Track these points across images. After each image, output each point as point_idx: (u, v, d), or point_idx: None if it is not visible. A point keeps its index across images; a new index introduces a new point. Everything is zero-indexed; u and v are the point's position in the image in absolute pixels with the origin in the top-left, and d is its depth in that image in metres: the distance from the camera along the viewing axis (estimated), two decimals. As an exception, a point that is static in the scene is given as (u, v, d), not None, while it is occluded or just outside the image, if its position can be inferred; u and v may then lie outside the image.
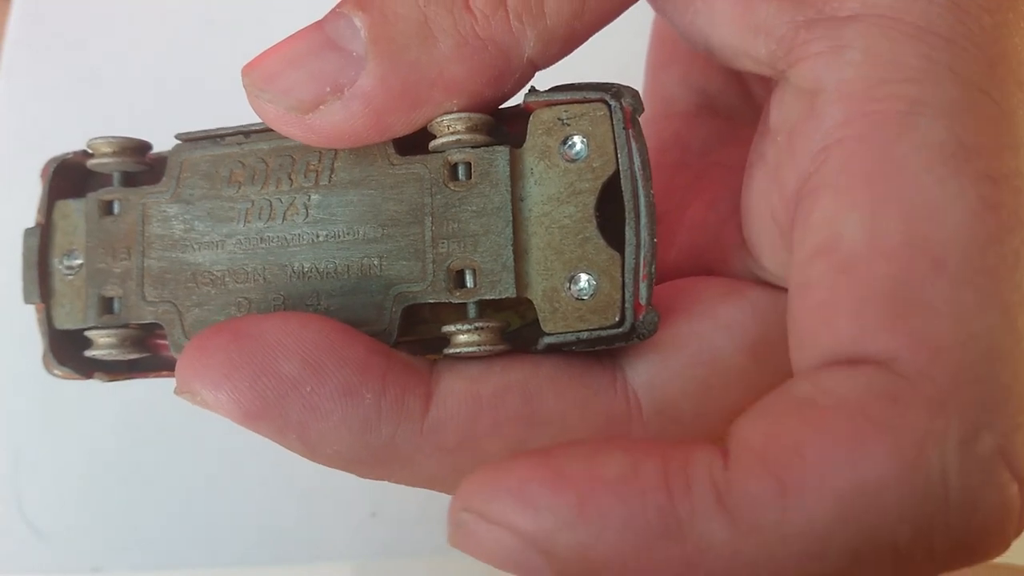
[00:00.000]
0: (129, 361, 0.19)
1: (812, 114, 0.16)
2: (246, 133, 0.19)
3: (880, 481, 0.13)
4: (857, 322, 0.14)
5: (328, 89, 0.16)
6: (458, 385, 0.17)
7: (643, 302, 0.16)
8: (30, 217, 0.22)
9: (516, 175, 0.17)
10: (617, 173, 0.17)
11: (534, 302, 0.17)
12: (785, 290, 0.17)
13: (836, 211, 0.15)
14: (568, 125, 0.17)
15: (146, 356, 0.19)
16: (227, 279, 0.18)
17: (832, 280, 0.15)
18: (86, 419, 0.33)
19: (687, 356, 0.17)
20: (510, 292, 0.17)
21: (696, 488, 0.14)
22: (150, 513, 0.32)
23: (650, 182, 0.17)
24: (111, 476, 0.33)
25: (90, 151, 0.19)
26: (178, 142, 0.19)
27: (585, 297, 0.17)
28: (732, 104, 0.23)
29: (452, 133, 0.17)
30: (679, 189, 0.21)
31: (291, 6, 0.38)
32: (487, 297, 0.17)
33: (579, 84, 0.17)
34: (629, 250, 0.16)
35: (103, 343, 0.19)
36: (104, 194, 0.19)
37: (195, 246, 0.19)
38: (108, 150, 0.19)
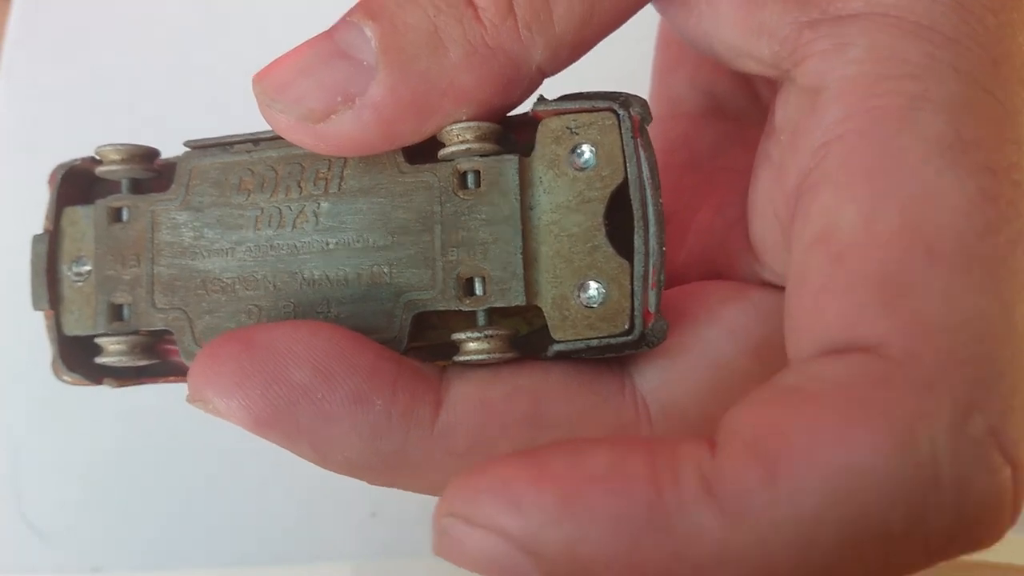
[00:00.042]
0: (138, 367, 0.19)
1: (814, 111, 0.16)
2: (255, 141, 0.19)
3: (869, 464, 0.13)
4: (848, 310, 0.14)
5: (339, 98, 0.16)
6: (468, 390, 0.17)
7: (652, 310, 0.17)
8: (30, 217, 0.22)
9: (525, 184, 0.17)
10: (626, 182, 0.17)
11: (543, 310, 0.17)
12: None
13: (834, 203, 0.15)
14: (577, 134, 0.17)
15: (155, 362, 0.19)
16: (237, 286, 0.18)
17: (826, 270, 0.15)
18: (86, 419, 0.33)
19: (693, 361, 0.17)
20: (520, 300, 0.17)
21: (683, 479, 0.14)
22: (150, 513, 0.32)
23: (659, 191, 0.17)
24: (111, 476, 0.33)
25: (98, 158, 0.19)
26: (186, 149, 0.19)
27: (594, 305, 0.17)
28: (740, 106, 0.23)
29: (462, 142, 0.17)
30: (686, 189, 0.21)
31: (291, 6, 0.38)
32: (497, 305, 0.17)
33: (587, 93, 0.17)
34: (638, 259, 0.17)
35: (113, 350, 0.19)
36: (113, 201, 0.19)
37: (205, 253, 0.19)
38: (116, 157, 0.19)
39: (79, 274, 0.19)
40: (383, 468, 0.17)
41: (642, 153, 0.17)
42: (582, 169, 0.17)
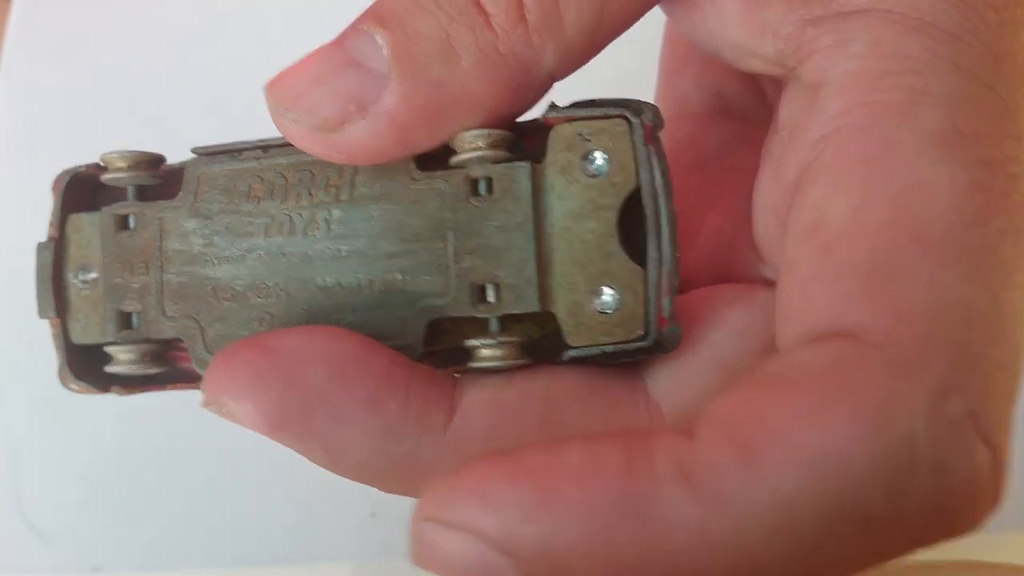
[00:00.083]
0: (146, 375, 0.19)
1: (814, 106, 0.16)
2: (264, 148, 0.19)
3: (845, 446, 0.13)
4: (834, 298, 0.14)
5: (352, 108, 0.16)
6: (481, 396, 0.17)
7: (666, 315, 0.17)
8: (30, 217, 0.22)
9: (537, 190, 0.17)
10: (639, 189, 0.17)
11: (557, 316, 0.17)
12: None
13: (826, 194, 0.15)
14: (589, 141, 0.17)
15: (164, 370, 0.19)
16: (249, 294, 0.18)
17: (815, 260, 0.15)
18: (86, 419, 0.33)
19: (702, 363, 0.17)
20: (534, 306, 0.17)
21: (659, 466, 0.13)
22: (150, 513, 0.32)
23: (671, 198, 0.17)
24: (111, 476, 0.33)
25: (103, 165, 0.19)
26: (193, 155, 0.19)
27: (609, 311, 0.17)
28: (747, 107, 0.23)
29: (474, 149, 0.17)
30: (693, 190, 0.21)
31: (291, 6, 0.38)
32: (511, 311, 0.17)
33: (599, 100, 0.17)
34: (652, 265, 0.17)
35: (124, 359, 0.19)
36: (119, 208, 0.19)
37: (215, 261, 0.19)
38: (123, 164, 0.19)
39: (86, 282, 0.19)
40: (394, 472, 0.17)
41: (655, 160, 0.17)
42: (594, 176, 0.17)
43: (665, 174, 0.17)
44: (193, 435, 0.32)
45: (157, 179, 0.19)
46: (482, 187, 0.18)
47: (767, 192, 0.18)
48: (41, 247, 0.19)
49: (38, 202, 0.20)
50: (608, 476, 0.13)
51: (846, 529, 0.13)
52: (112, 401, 0.33)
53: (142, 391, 0.20)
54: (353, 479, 0.17)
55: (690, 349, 0.17)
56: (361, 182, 0.18)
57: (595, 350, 0.17)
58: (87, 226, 0.19)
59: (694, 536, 0.13)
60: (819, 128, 0.16)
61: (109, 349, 0.19)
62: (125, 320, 0.19)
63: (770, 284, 0.19)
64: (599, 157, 0.17)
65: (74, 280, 0.19)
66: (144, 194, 0.19)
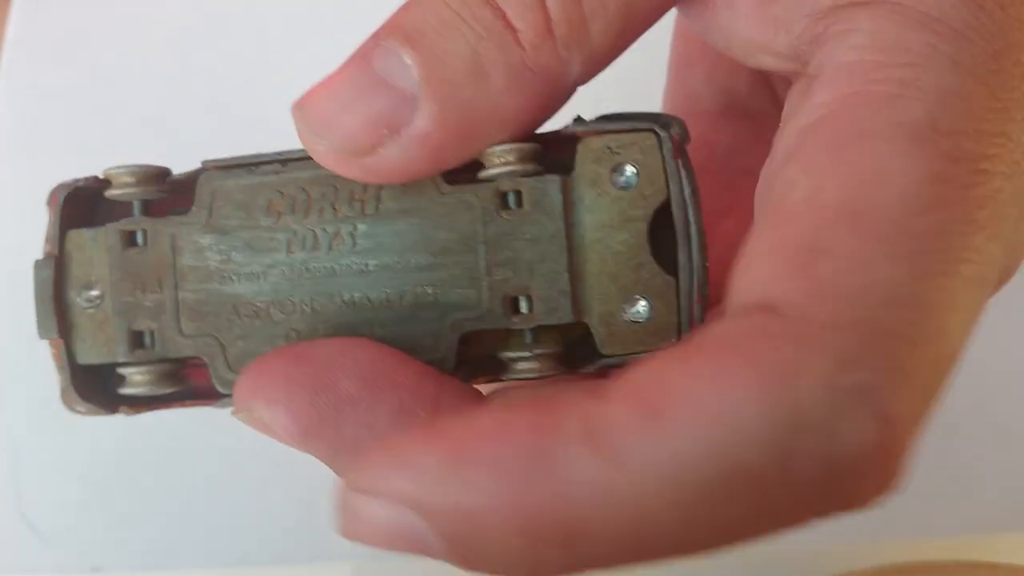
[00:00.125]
0: (158, 395, 0.19)
1: (806, 95, 0.16)
2: (283, 161, 0.19)
3: (741, 409, 0.13)
4: (766, 272, 0.15)
5: (384, 131, 0.17)
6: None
7: (698, 322, 0.17)
8: (29, 218, 0.22)
9: (567, 203, 0.18)
10: (668, 201, 0.17)
11: (591, 326, 0.18)
12: None
13: (793, 178, 0.15)
14: (618, 154, 0.18)
15: (178, 389, 0.19)
16: (272, 310, 0.18)
17: (764, 235, 0.15)
18: (86, 419, 0.33)
19: None
20: (568, 318, 0.18)
21: (565, 426, 0.14)
22: (150, 513, 0.32)
23: (699, 209, 0.17)
24: (111, 476, 0.33)
25: (105, 179, 0.19)
26: (201, 166, 0.19)
27: (641, 320, 0.18)
28: (758, 104, 0.23)
29: (504, 164, 0.17)
30: (703, 188, 0.21)
31: (291, 6, 0.38)
32: (545, 323, 0.18)
33: (626, 114, 0.18)
34: (683, 274, 0.17)
35: (139, 380, 0.18)
36: (126, 224, 0.19)
37: (234, 277, 0.18)
38: (130, 180, 0.19)
39: (90, 300, 0.19)
40: None
41: (683, 173, 0.17)
42: (624, 188, 0.18)
43: (694, 186, 0.17)
44: (193, 435, 0.32)
45: (163, 193, 0.19)
46: (511, 200, 0.18)
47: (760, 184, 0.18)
48: (39, 265, 0.19)
49: (38, 202, 0.20)
50: (515, 436, 0.14)
51: (739, 488, 0.13)
52: (112, 401, 0.33)
53: (149, 410, 0.19)
54: None
55: None
56: (387, 196, 0.18)
57: (628, 359, 0.17)
58: (88, 242, 0.19)
59: (598, 492, 0.13)
60: (805, 116, 0.16)
61: (122, 370, 0.19)
62: (138, 339, 0.19)
63: None
64: (629, 170, 0.18)
65: (77, 299, 0.19)
66: (149, 208, 0.19)
